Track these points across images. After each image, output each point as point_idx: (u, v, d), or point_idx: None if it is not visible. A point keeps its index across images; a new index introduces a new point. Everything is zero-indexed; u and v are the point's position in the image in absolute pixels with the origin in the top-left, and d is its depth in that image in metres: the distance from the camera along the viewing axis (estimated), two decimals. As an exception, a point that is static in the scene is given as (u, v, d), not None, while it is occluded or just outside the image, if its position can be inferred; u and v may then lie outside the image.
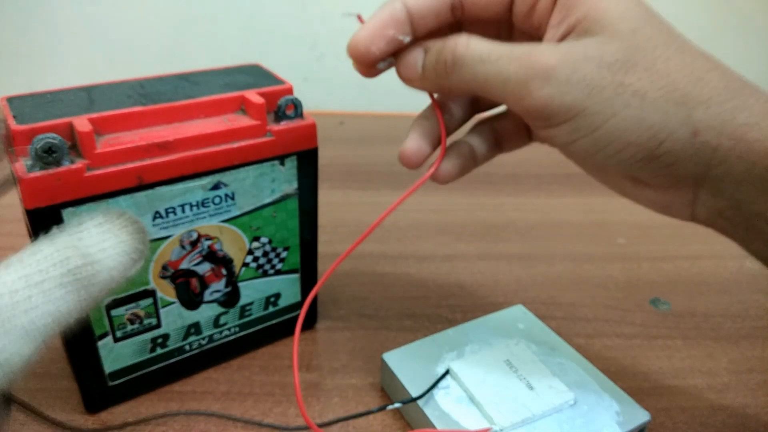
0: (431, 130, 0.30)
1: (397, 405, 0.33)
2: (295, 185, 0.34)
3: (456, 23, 0.30)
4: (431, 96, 0.30)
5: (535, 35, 0.28)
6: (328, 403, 0.35)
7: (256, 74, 0.35)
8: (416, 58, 0.27)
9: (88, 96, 0.30)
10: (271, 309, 0.37)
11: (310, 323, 0.40)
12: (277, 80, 0.34)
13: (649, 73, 0.24)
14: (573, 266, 0.48)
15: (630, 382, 0.37)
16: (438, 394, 0.32)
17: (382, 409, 0.33)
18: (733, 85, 0.25)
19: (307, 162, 0.34)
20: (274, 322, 0.38)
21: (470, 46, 0.26)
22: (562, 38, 0.26)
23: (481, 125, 0.32)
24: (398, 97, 0.72)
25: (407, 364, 0.34)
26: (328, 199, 0.56)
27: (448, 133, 0.31)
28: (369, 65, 0.28)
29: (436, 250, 0.50)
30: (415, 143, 0.29)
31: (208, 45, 0.76)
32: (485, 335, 0.36)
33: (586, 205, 0.57)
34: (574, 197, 0.59)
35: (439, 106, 0.30)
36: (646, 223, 0.54)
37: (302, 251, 0.37)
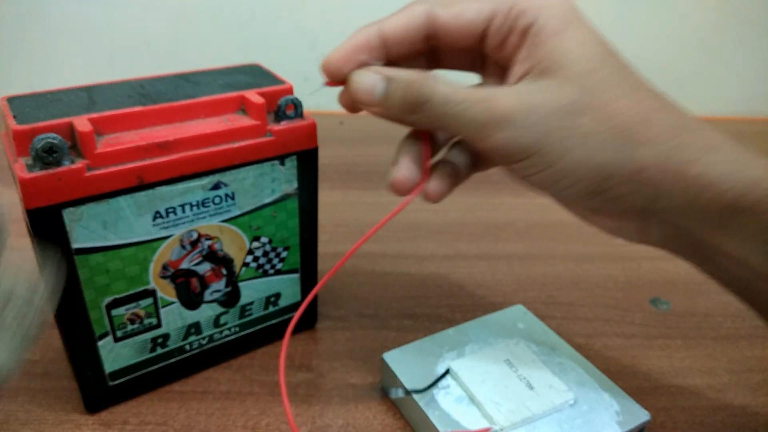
0: (419, 156, 0.30)
1: (399, 393, 0.33)
2: (295, 185, 0.34)
3: (430, 50, 0.30)
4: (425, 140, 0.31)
5: (504, 65, 0.30)
6: (328, 402, 0.35)
7: (256, 74, 0.35)
8: (374, 83, 0.28)
9: (88, 96, 0.30)
10: (271, 309, 0.37)
11: (310, 323, 0.40)
12: (277, 80, 0.34)
13: (600, 114, 0.26)
14: (573, 266, 0.48)
15: (630, 381, 0.37)
16: (438, 393, 0.32)
17: (385, 394, 0.33)
18: (677, 124, 0.27)
19: (307, 162, 0.34)
20: (274, 321, 0.38)
21: (437, 88, 0.27)
22: (526, 73, 0.27)
23: (460, 146, 0.33)
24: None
25: (407, 363, 0.34)
26: (328, 199, 0.56)
27: (434, 154, 0.31)
28: (342, 83, 0.29)
29: (435, 250, 0.50)
30: (406, 171, 0.30)
31: (208, 45, 0.76)
32: (485, 335, 0.36)
33: (586, 205, 0.57)
34: (574, 197, 0.59)
35: (426, 131, 0.31)
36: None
37: (302, 251, 0.37)
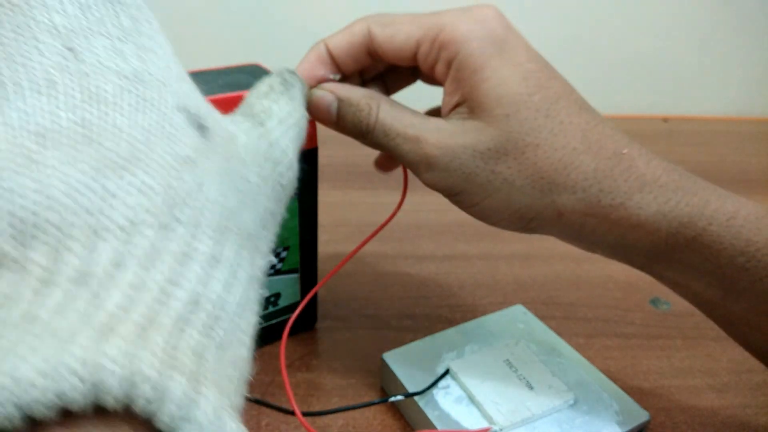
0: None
1: (398, 398, 0.33)
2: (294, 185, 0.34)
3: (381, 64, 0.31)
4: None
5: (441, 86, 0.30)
6: (328, 402, 0.35)
7: (256, 74, 0.35)
8: (328, 102, 0.29)
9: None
10: (270, 309, 0.37)
11: (309, 324, 0.40)
12: None
13: (518, 162, 0.26)
14: (573, 266, 0.48)
15: (630, 382, 0.37)
16: (438, 393, 0.32)
17: (384, 401, 0.33)
18: (602, 166, 0.26)
19: (307, 162, 0.33)
20: (273, 322, 0.38)
21: (379, 119, 0.28)
22: (457, 105, 0.28)
23: None
24: (397, 97, 0.72)
25: (407, 363, 0.34)
26: (328, 199, 0.56)
27: None
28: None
29: (436, 250, 0.50)
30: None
31: (209, 45, 0.76)
32: (485, 335, 0.36)
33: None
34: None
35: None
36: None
37: (302, 251, 0.37)
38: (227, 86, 0.32)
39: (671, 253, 0.27)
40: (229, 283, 0.17)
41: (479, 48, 0.26)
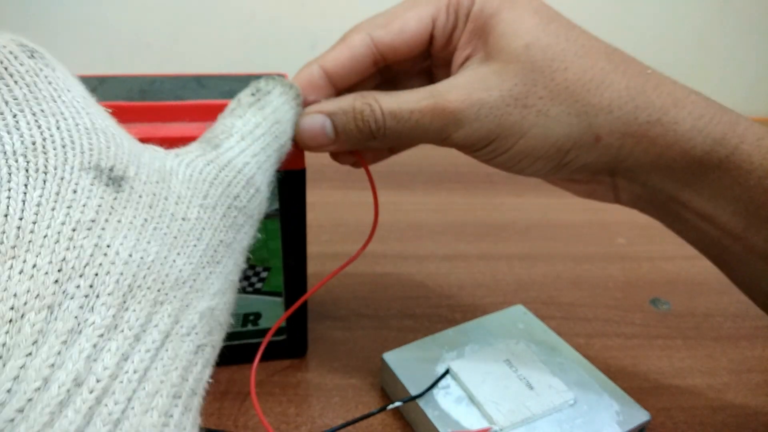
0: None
1: (397, 404, 0.33)
2: (275, 206, 0.32)
3: (379, 69, 0.30)
4: (358, 155, 0.32)
5: (449, 59, 0.29)
6: (328, 402, 0.35)
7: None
8: (322, 124, 0.28)
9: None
10: (250, 327, 0.36)
11: (300, 351, 0.38)
12: None
13: (549, 90, 0.25)
14: (573, 266, 0.48)
15: (630, 382, 0.37)
16: (438, 393, 0.32)
17: (383, 410, 0.33)
18: (634, 84, 0.26)
19: (292, 183, 0.32)
20: (253, 341, 0.36)
21: (385, 110, 0.27)
22: (468, 57, 0.28)
23: None
24: (398, 97, 0.72)
25: (407, 364, 0.34)
26: (328, 199, 0.56)
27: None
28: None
29: (436, 250, 0.50)
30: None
31: (209, 45, 0.76)
32: (485, 335, 0.36)
33: (586, 205, 0.57)
34: (574, 197, 0.59)
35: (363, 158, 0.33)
36: (646, 223, 0.54)
37: (286, 275, 0.35)
38: (229, 93, 0.32)
39: (704, 175, 0.26)
40: (127, 352, 0.16)
41: None
